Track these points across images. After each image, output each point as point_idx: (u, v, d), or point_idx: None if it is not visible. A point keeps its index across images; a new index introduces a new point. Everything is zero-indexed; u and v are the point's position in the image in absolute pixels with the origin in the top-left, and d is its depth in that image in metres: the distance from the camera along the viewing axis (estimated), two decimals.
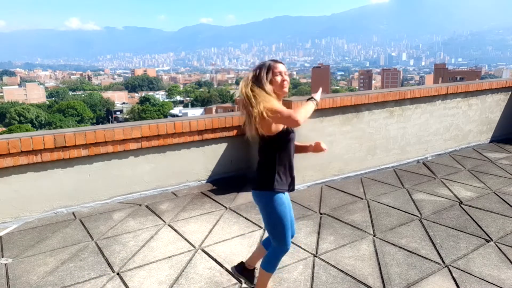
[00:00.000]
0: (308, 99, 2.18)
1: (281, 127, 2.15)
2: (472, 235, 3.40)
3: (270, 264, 2.33)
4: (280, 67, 2.20)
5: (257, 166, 2.28)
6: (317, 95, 2.22)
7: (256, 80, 2.17)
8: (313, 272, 2.84)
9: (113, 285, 2.72)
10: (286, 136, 2.19)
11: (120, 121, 73.34)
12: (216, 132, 4.65)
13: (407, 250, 3.14)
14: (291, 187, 2.28)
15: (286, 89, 2.21)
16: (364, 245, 3.25)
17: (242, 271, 2.60)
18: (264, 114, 2.04)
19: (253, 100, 2.10)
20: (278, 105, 2.10)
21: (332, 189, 4.64)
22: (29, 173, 3.74)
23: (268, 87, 2.15)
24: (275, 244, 2.28)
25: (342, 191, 4.56)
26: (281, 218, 2.21)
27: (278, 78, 2.17)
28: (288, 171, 2.25)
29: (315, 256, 3.07)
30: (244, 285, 2.70)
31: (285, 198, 2.25)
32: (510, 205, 4.05)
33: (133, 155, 4.25)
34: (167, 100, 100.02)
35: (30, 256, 3.12)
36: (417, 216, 3.82)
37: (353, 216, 3.82)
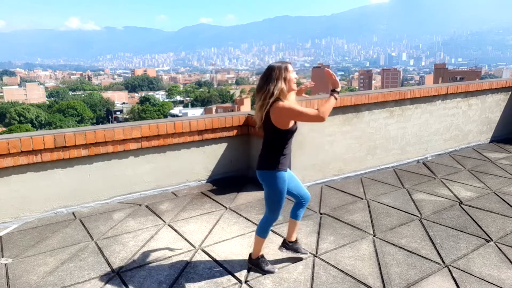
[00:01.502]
0: (331, 94, 2.56)
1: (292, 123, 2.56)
2: (472, 235, 3.41)
3: (263, 230, 2.77)
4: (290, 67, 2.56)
5: (264, 150, 2.65)
6: (339, 87, 2.59)
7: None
8: (313, 272, 2.84)
9: (113, 285, 2.72)
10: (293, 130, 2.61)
11: (120, 121, 73.36)
12: (216, 132, 4.65)
13: (407, 250, 3.14)
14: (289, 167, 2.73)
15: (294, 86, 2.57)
16: (364, 245, 3.25)
17: (288, 246, 3.00)
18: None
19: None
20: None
21: (332, 189, 4.64)
22: (29, 173, 3.74)
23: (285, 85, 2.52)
24: (269, 214, 2.72)
25: (342, 191, 4.56)
26: (281, 193, 2.65)
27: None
28: (288, 155, 2.66)
29: (315, 256, 3.07)
30: (244, 285, 2.70)
31: (286, 175, 2.65)
32: (510, 205, 4.06)
33: (133, 155, 4.25)
34: (167, 100, 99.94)
35: (30, 256, 3.12)
36: (417, 216, 3.82)
37: (353, 216, 3.82)
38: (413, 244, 3.25)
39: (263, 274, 2.81)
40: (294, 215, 2.94)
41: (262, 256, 2.86)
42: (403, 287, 2.65)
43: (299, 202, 2.90)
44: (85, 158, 3.98)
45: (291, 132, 2.58)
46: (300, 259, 3.01)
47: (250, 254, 2.92)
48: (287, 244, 3.01)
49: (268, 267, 2.84)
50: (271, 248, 3.18)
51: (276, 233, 3.46)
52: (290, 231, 2.99)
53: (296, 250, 3.01)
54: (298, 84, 2.85)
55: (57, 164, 3.86)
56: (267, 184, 2.64)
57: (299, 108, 2.47)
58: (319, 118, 2.44)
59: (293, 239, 3.01)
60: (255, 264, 2.86)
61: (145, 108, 78.23)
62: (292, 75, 2.53)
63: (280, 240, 3.32)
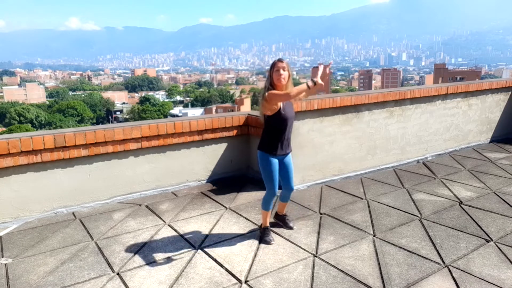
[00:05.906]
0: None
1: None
2: (472, 235, 3.41)
3: (265, 204, 3.28)
4: (279, 64, 2.98)
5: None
6: (317, 77, 2.90)
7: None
8: (313, 272, 2.84)
9: (113, 285, 2.72)
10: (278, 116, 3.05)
11: (120, 121, 73.36)
12: (216, 132, 4.65)
13: (407, 250, 3.14)
14: (280, 153, 3.14)
15: (282, 82, 2.97)
16: (364, 245, 3.25)
17: (277, 217, 3.63)
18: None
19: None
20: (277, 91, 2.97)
21: (332, 189, 4.64)
22: (29, 173, 3.74)
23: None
24: (268, 189, 3.20)
25: (342, 191, 4.56)
26: (266, 172, 3.17)
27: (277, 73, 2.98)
28: (279, 141, 3.09)
29: (315, 256, 3.07)
30: (244, 285, 2.70)
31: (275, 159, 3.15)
32: (510, 205, 4.06)
33: (133, 155, 4.25)
34: (167, 100, 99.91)
35: (30, 256, 3.12)
36: (417, 216, 3.82)
37: (353, 216, 3.82)
38: (413, 244, 3.25)
39: (260, 242, 3.29)
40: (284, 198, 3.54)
41: (267, 228, 3.37)
42: (403, 287, 2.65)
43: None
44: (85, 158, 3.98)
45: (274, 119, 3.03)
46: (301, 259, 3.01)
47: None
48: (277, 216, 3.64)
49: (267, 238, 3.30)
50: (271, 249, 3.19)
51: (276, 233, 3.46)
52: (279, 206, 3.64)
53: (283, 221, 3.58)
54: (296, 84, 3.05)
55: (57, 164, 3.86)
56: (258, 162, 3.20)
57: (276, 91, 2.93)
58: (286, 96, 2.89)
59: (283, 212, 3.63)
60: (261, 232, 3.39)
61: (145, 108, 78.20)
62: (279, 71, 2.96)
63: (279, 240, 3.33)
